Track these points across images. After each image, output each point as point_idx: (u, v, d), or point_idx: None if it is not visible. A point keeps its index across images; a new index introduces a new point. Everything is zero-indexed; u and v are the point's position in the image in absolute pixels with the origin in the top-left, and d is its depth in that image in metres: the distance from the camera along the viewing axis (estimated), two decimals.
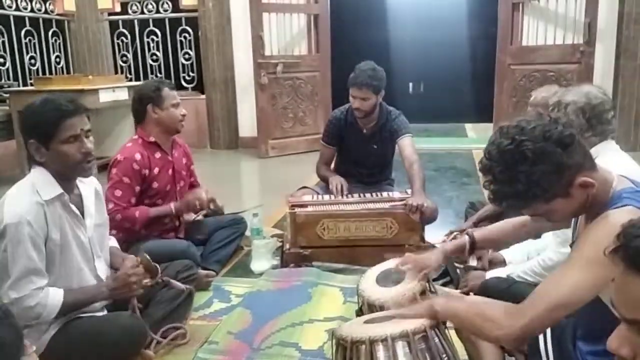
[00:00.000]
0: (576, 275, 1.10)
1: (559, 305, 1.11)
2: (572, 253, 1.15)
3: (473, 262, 2.21)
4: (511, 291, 1.80)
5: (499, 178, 1.15)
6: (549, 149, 1.11)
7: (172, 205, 2.51)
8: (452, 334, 1.46)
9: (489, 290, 1.87)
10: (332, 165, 3.25)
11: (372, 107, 2.89)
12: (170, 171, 2.57)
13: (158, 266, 1.87)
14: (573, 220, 1.34)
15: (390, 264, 1.79)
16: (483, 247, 1.71)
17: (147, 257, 1.84)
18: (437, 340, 1.30)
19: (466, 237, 1.68)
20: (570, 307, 1.12)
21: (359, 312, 1.65)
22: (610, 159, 1.71)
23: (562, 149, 1.12)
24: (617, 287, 0.73)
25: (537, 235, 2.06)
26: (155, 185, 2.49)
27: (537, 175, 1.11)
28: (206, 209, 2.70)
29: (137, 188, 2.43)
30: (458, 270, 2.37)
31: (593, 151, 1.71)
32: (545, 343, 1.38)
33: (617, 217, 1.09)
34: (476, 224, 2.57)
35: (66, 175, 1.68)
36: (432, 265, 1.62)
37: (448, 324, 1.48)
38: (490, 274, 2.04)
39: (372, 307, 1.56)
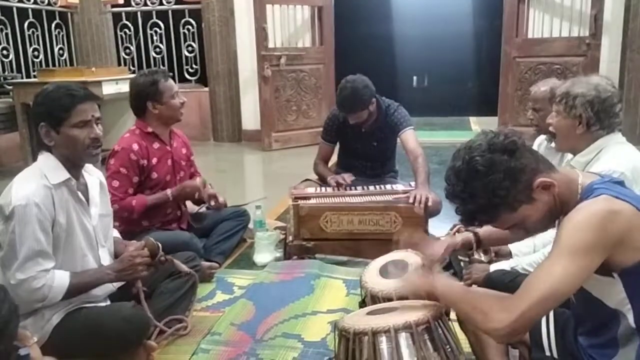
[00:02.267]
0: (562, 265, 1.11)
1: (548, 298, 1.11)
2: (554, 245, 1.16)
3: (480, 257, 2.20)
4: (515, 284, 1.78)
5: (462, 197, 1.22)
6: (495, 159, 1.18)
7: (168, 192, 2.50)
8: (455, 325, 1.45)
9: (492, 282, 1.86)
10: (335, 159, 3.24)
11: (369, 115, 2.90)
12: (169, 161, 2.56)
13: (160, 245, 1.87)
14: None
15: (394, 255, 1.79)
16: (488, 244, 1.75)
17: (152, 240, 1.85)
18: (440, 331, 1.29)
19: (471, 235, 1.71)
20: (559, 297, 1.13)
21: (362, 304, 1.65)
22: (616, 151, 1.70)
23: (508, 156, 1.19)
24: None
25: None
26: (154, 175, 2.49)
27: (493, 185, 1.17)
28: (207, 201, 2.70)
29: (136, 179, 2.43)
30: (462, 263, 2.36)
31: (599, 143, 1.72)
32: (549, 336, 1.38)
33: (594, 205, 1.13)
34: None
35: (74, 161, 1.69)
36: (439, 260, 1.66)
37: (452, 315, 1.47)
38: (494, 267, 2.02)
39: (375, 299, 1.55)
